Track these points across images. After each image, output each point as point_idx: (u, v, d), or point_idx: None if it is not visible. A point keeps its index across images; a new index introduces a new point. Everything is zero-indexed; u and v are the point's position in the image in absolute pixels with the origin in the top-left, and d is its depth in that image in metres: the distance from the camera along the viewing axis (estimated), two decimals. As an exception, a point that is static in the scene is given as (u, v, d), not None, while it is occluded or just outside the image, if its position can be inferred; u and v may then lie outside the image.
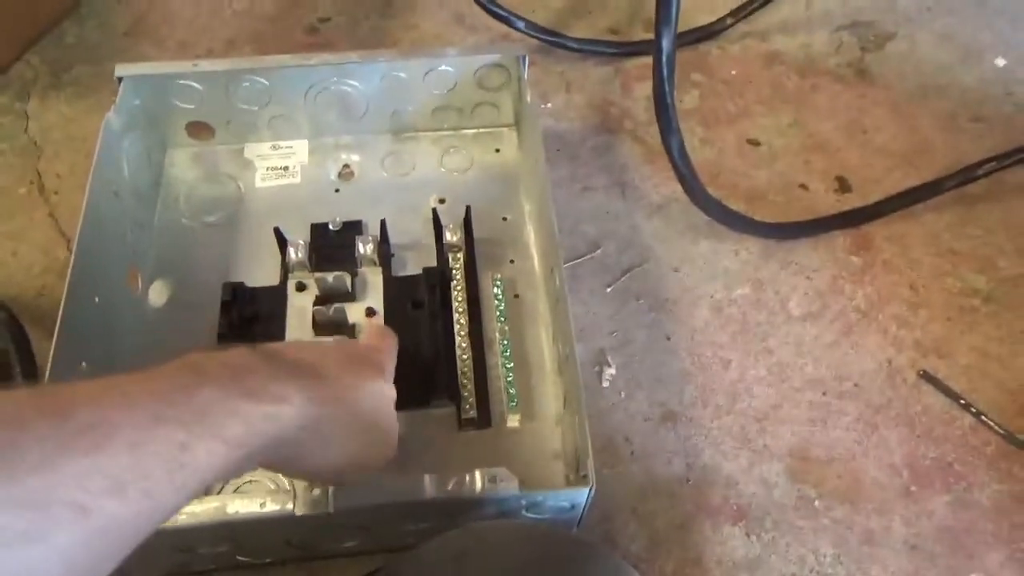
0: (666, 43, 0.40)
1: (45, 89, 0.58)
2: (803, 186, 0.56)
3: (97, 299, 0.42)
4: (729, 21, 0.63)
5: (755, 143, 0.58)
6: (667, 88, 0.43)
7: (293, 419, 0.26)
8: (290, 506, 0.33)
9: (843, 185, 0.56)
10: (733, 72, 0.62)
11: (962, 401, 0.46)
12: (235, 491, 0.40)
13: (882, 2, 0.67)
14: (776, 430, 0.46)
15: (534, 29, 0.61)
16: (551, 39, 0.61)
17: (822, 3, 0.67)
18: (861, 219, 0.53)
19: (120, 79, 0.47)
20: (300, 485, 0.35)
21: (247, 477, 0.40)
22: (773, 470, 0.44)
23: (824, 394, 0.47)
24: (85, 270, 0.41)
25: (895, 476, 0.44)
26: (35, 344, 0.45)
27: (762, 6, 0.65)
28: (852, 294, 0.51)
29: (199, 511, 0.33)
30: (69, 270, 0.39)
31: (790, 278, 0.51)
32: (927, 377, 0.47)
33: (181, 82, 0.49)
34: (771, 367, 0.48)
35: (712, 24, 0.64)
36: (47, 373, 0.36)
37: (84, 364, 0.39)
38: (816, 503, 0.43)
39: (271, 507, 0.33)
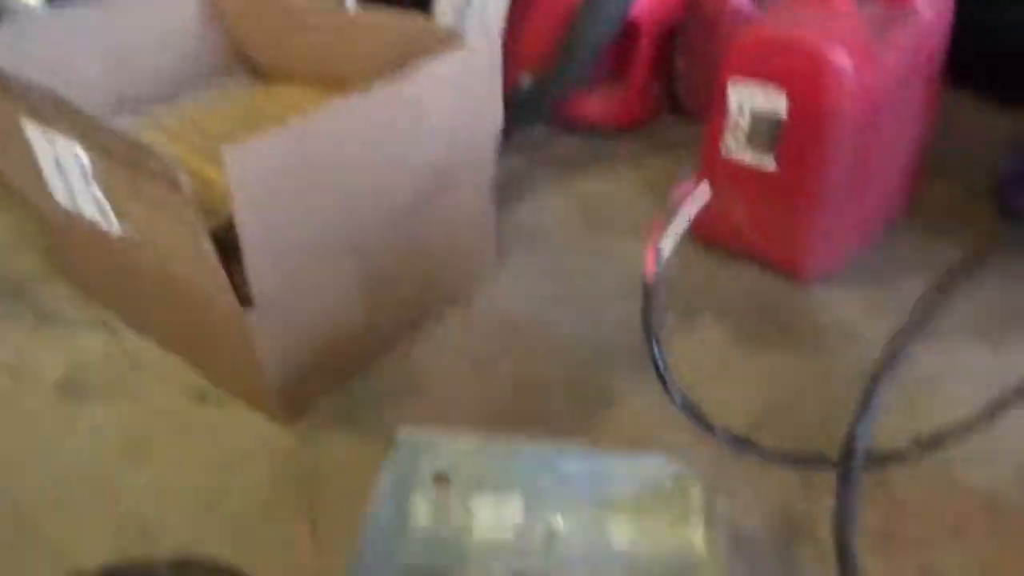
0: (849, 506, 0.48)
1: (330, 421, 0.77)
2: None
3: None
4: (914, 450, 0.69)
5: (931, 571, 0.61)
6: (848, 532, 0.50)
7: None
8: None
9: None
10: (913, 497, 0.67)
11: None
12: None
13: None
14: None
15: (728, 436, 0.70)
16: (742, 446, 0.70)
17: (1008, 439, 0.71)
18: None
19: (397, 440, 0.62)
20: None
21: None
22: None
23: None
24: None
25: None
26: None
27: (948, 440, 0.69)
28: None
29: None
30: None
31: None
32: None
33: (439, 446, 0.63)
34: None
35: (894, 449, 0.69)
36: None
37: None
38: None
39: None
